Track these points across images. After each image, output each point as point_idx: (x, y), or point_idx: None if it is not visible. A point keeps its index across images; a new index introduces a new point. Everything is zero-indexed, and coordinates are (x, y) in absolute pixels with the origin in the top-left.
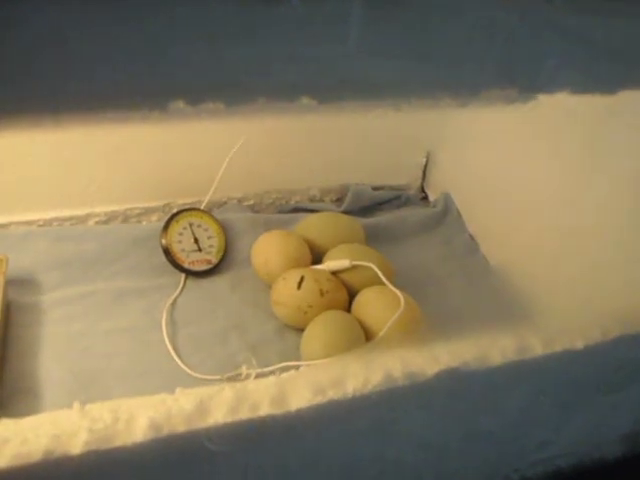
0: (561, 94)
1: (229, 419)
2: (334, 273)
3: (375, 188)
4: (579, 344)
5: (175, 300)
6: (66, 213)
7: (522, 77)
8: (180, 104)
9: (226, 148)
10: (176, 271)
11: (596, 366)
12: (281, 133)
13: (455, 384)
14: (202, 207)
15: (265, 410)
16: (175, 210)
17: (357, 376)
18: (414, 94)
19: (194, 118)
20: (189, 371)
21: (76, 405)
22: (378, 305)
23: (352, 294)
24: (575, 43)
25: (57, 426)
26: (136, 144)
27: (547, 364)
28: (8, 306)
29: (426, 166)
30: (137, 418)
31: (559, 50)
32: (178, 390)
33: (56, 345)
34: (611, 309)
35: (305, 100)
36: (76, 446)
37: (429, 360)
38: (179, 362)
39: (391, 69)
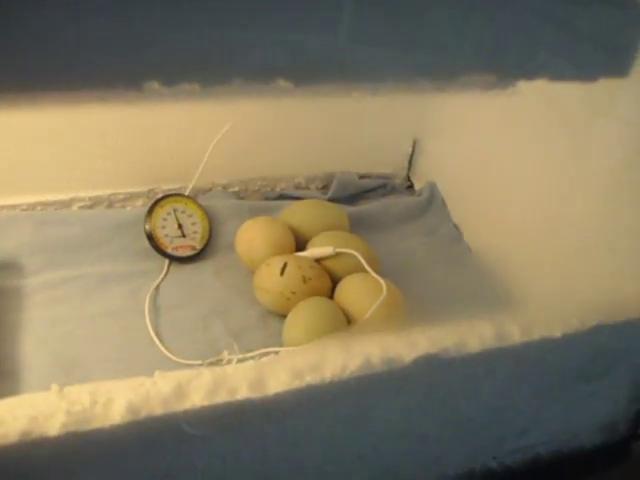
0: (540, 81)
1: (207, 402)
2: (317, 260)
3: (361, 176)
4: (557, 332)
5: (158, 285)
6: (50, 197)
7: (501, 63)
8: (155, 85)
9: (211, 135)
10: (160, 256)
11: (574, 354)
12: (268, 120)
13: (433, 370)
14: (187, 193)
15: (243, 394)
16: (159, 195)
17: (335, 361)
18: (393, 78)
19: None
20: (171, 356)
21: (54, 387)
22: (360, 292)
23: (335, 281)
24: (555, 30)
25: (35, 408)
26: (121, 129)
27: (525, 351)
28: None
29: (412, 155)
30: (115, 401)
31: (539, 37)
32: (157, 373)
33: (38, 329)
34: (590, 298)
35: (281, 82)
36: (53, 428)
37: (408, 346)
38: (161, 347)
39: (371, 53)
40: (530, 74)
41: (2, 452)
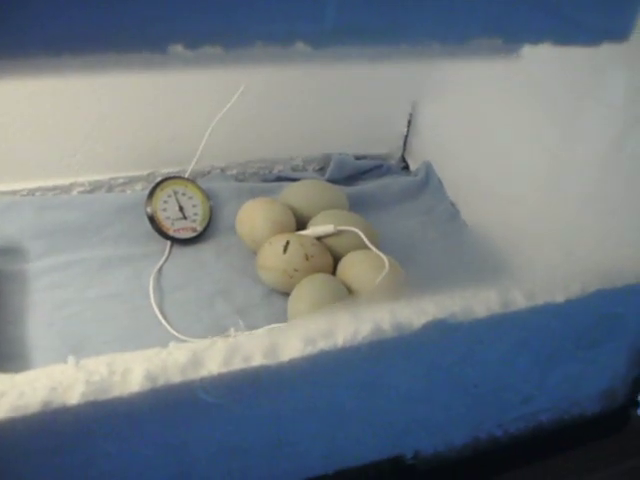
0: (544, 45)
1: (222, 370)
2: (319, 238)
3: (357, 157)
4: (560, 298)
5: (161, 267)
6: (50, 183)
7: (507, 28)
8: (179, 48)
9: (209, 118)
10: (161, 239)
11: (576, 320)
12: (264, 103)
13: (442, 335)
14: (186, 176)
15: (258, 361)
16: (160, 178)
17: (347, 327)
18: (404, 41)
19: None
20: (177, 334)
21: (71, 360)
22: (363, 268)
23: (337, 259)
24: None
25: (53, 379)
26: (120, 114)
27: (529, 317)
28: None
29: (407, 136)
30: (133, 370)
31: (543, 1)
32: (171, 344)
33: (44, 311)
34: (589, 265)
35: (301, 46)
36: (73, 397)
37: (417, 312)
38: (167, 326)
39: (382, 16)
40: (534, 38)
41: (24, 422)
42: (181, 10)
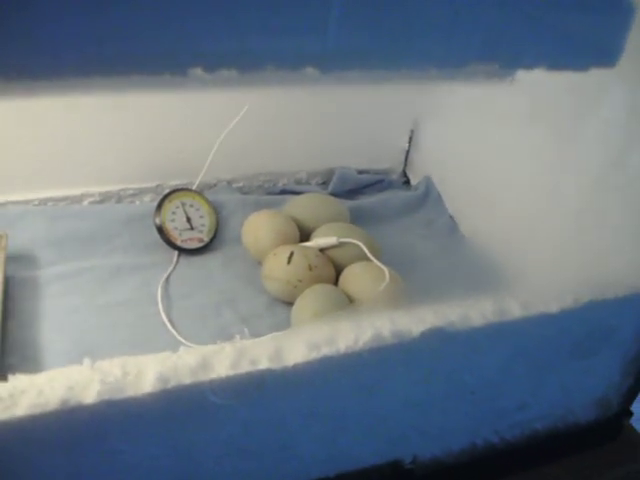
0: (538, 70)
1: (230, 373)
2: (322, 250)
3: (360, 172)
4: (554, 308)
5: (169, 276)
6: (61, 193)
7: (502, 54)
8: (198, 71)
9: (217, 132)
10: (168, 249)
11: (569, 330)
12: (270, 119)
13: (439, 343)
14: (194, 188)
15: (264, 365)
16: (168, 190)
17: (348, 334)
18: (403, 65)
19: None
20: (184, 341)
21: (86, 361)
22: (364, 279)
23: (339, 270)
24: (551, 24)
25: (71, 379)
26: (130, 127)
27: (524, 326)
28: (7, 281)
29: (408, 152)
30: (145, 372)
31: (536, 29)
32: (182, 349)
33: (56, 317)
34: (583, 276)
35: (310, 70)
36: (89, 396)
37: (416, 320)
38: (174, 333)
39: (382, 42)
40: (528, 64)
41: (42, 419)
42: (201, 36)
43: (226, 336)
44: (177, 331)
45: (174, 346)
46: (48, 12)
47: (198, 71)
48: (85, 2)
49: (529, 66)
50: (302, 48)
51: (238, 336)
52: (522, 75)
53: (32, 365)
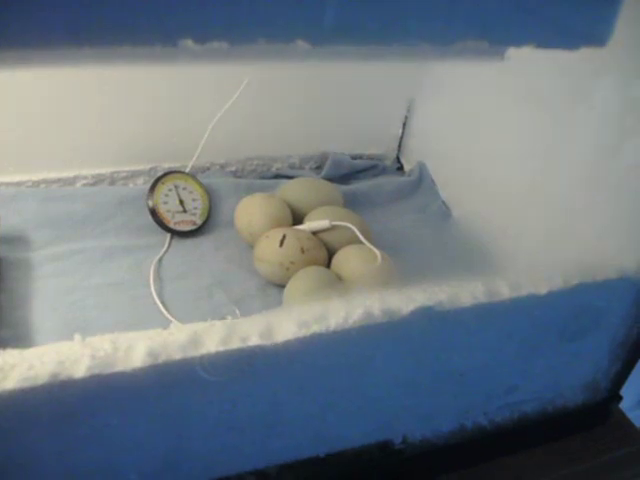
0: (527, 48)
1: (220, 349)
2: (314, 233)
3: (353, 157)
4: (542, 289)
5: (161, 258)
6: (54, 175)
7: (492, 31)
8: (189, 42)
9: (210, 115)
10: (161, 231)
11: (558, 311)
12: (263, 102)
13: (429, 322)
14: (187, 171)
15: (254, 341)
16: (161, 173)
17: (339, 312)
18: (397, 41)
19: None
20: (176, 322)
21: (77, 337)
22: (356, 261)
23: (331, 253)
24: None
25: (61, 354)
26: (123, 110)
27: (513, 307)
28: (0, 262)
29: (402, 137)
30: (136, 347)
31: (526, 7)
32: (172, 325)
33: (48, 298)
34: (573, 259)
35: (300, 43)
36: (80, 370)
37: (405, 299)
38: (166, 314)
39: (375, 17)
40: (518, 41)
41: (33, 392)
42: (191, 6)
43: (218, 317)
44: (169, 312)
45: (166, 326)
46: None
47: (189, 42)
48: None
49: (518, 44)
50: (294, 22)
51: (229, 317)
52: (516, 61)
53: (23, 343)
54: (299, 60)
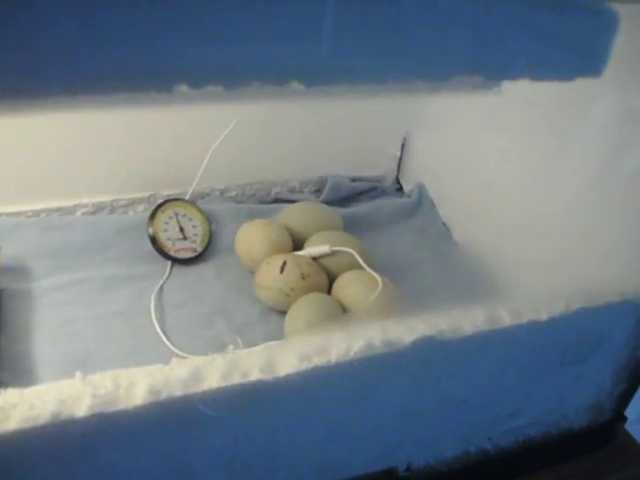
0: (522, 82)
1: (222, 384)
2: (315, 258)
3: (353, 180)
4: (544, 315)
5: (162, 286)
6: (54, 204)
7: (487, 66)
8: (184, 87)
9: (209, 141)
10: (161, 259)
11: (560, 336)
12: (263, 128)
13: (430, 352)
14: (187, 198)
15: (255, 376)
16: (161, 200)
17: (339, 344)
18: (391, 79)
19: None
20: (177, 351)
21: (78, 375)
22: (357, 287)
23: (332, 278)
24: (535, 35)
25: (62, 392)
26: (122, 138)
27: (515, 334)
28: (0, 293)
29: (401, 158)
30: (137, 384)
31: (520, 42)
32: (173, 360)
33: (49, 329)
34: (574, 284)
35: (295, 84)
36: (81, 409)
37: (406, 329)
38: (168, 343)
39: (369, 56)
40: (513, 75)
41: (34, 432)
42: (185, 54)
43: (219, 346)
44: (170, 341)
45: (167, 356)
46: (34, 31)
47: (184, 88)
48: (71, 22)
49: (514, 78)
50: (288, 64)
51: (231, 346)
52: (513, 83)
53: (25, 378)
54: (294, 99)
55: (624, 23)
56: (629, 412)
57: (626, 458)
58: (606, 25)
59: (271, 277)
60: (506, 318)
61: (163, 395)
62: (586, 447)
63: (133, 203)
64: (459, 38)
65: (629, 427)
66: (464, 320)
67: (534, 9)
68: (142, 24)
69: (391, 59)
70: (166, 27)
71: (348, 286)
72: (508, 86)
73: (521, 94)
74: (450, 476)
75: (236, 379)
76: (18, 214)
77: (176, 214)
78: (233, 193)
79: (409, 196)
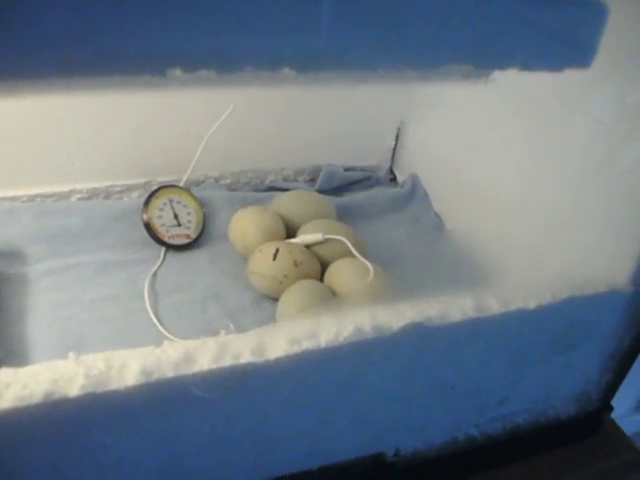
0: (512, 71)
1: (213, 366)
2: (308, 246)
3: (346, 169)
4: (532, 304)
5: (156, 272)
6: (49, 189)
7: (477, 55)
8: (177, 71)
9: (204, 129)
10: (156, 245)
11: (547, 325)
12: (257, 116)
13: (419, 338)
14: (181, 185)
15: (246, 359)
16: (155, 187)
17: (329, 328)
18: (383, 67)
19: (172, 101)
20: (170, 336)
21: (71, 355)
22: (349, 275)
23: (324, 266)
24: (524, 26)
25: (55, 372)
26: (118, 124)
27: (503, 322)
28: None
29: (395, 149)
30: (129, 365)
31: (510, 32)
32: (165, 343)
33: (43, 313)
34: (562, 274)
35: (287, 70)
36: (73, 389)
37: (395, 315)
38: (161, 328)
39: (362, 45)
40: (502, 65)
41: (27, 411)
42: (178, 37)
43: (212, 331)
44: (163, 326)
45: (160, 341)
46: (29, 14)
47: (177, 72)
48: (65, 5)
49: (503, 67)
50: (280, 50)
51: (223, 331)
52: (503, 73)
53: (18, 359)
54: (287, 85)
55: (617, 16)
56: (621, 404)
57: (612, 447)
58: (595, 16)
59: (264, 264)
60: (494, 306)
61: (155, 376)
62: (573, 436)
63: (128, 189)
64: (449, 28)
65: (620, 420)
66: (453, 307)
67: (524, 0)
68: (135, 7)
69: (382, 46)
70: (159, 11)
71: (340, 274)
72: (499, 76)
73: (515, 85)
74: (438, 462)
75: (227, 361)
76: (13, 199)
77: (170, 201)
78: (227, 181)
79: (402, 186)
